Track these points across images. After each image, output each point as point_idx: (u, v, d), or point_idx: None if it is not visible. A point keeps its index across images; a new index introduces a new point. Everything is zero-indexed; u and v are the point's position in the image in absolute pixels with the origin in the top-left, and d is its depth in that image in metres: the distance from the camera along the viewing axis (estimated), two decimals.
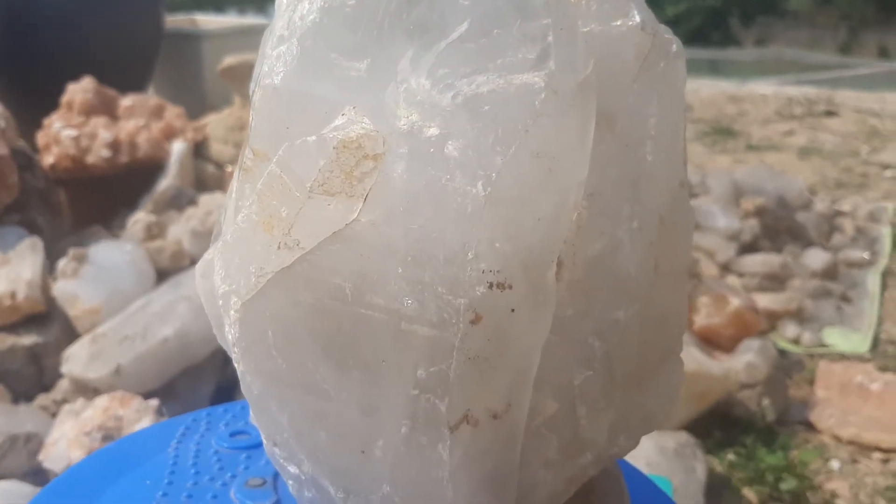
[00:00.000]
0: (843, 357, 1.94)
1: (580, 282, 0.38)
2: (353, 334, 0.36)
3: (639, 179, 0.39)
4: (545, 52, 0.35)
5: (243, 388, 0.41)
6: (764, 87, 5.38)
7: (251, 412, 0.42)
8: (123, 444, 0.62)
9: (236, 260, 0.39)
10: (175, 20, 3.87)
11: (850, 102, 4.90)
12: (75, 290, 1.55)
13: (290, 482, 0.42)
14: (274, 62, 0.39)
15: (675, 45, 0.40)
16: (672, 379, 0.44)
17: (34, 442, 1.32)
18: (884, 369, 1.81)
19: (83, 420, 1.23)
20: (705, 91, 5.31)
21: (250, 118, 0.41)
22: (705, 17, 10.84)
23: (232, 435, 0.57)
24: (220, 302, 0.40)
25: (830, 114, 4.62)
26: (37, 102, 2.62)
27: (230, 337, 0.40)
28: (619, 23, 0.39)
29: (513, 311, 0.35)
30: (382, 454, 0.37)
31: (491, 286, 0.34)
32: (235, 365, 0.41)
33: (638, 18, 0.39)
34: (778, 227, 2.42)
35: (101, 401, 1.27)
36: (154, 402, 1.31)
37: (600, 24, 0.39)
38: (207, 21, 3.93)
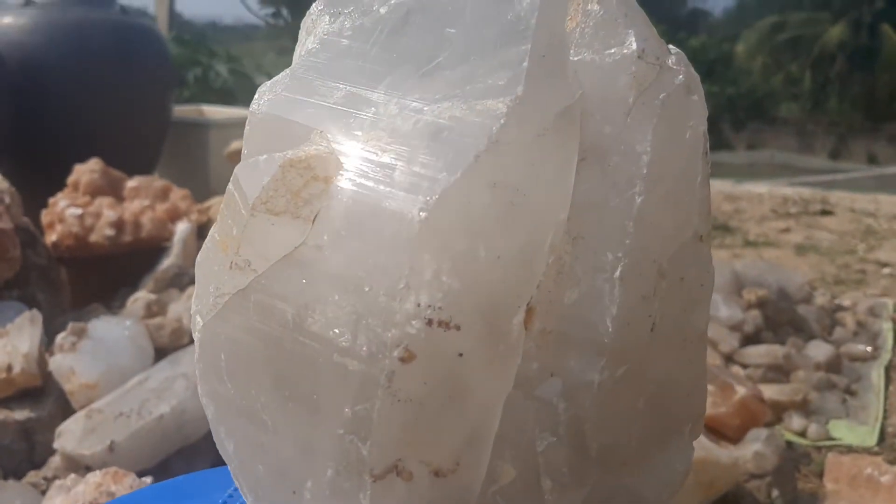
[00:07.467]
0: (850, 450, 1.90)
1: (552, 333, 0.35)
2: (294, 364, 0.34)
3: (627, 224, 0.35)
4: (516, 77, 0.32)
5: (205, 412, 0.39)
6: (759, 188, 5.45)
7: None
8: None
9: (202, 279, 0.38)
10: (183, 110, 3.94)
11: (844, 203, 4.95)
12: (72, 364, 1.53)
13: None
14: (266, 90, 0.39)
15: (683, 75, 0.36)
16: (673, 464, 0.38)
17: None
18: (893, 462, 1.77)
19: (74, 495, 1.19)
20: None
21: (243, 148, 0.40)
22: None
23: None
24: (192, 323, 0.39)
25: (826, 213, 4.67)
26: (43, 184, 2.63)
27: (195, 358, 0.39)
28: (613, 51, 0.35)
29: (461, 355, 0.31)
30: (311, 497, 0.34)
31: (430, 323, 0.31)
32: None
33: (634, 46, 0.35)
34: (780, 318, 2.40)
35: (94, 477, 1.23)
36: (148, 480, 1.26)
37: (593, 52, 0.36)
38: (214, 111, 4.01)
